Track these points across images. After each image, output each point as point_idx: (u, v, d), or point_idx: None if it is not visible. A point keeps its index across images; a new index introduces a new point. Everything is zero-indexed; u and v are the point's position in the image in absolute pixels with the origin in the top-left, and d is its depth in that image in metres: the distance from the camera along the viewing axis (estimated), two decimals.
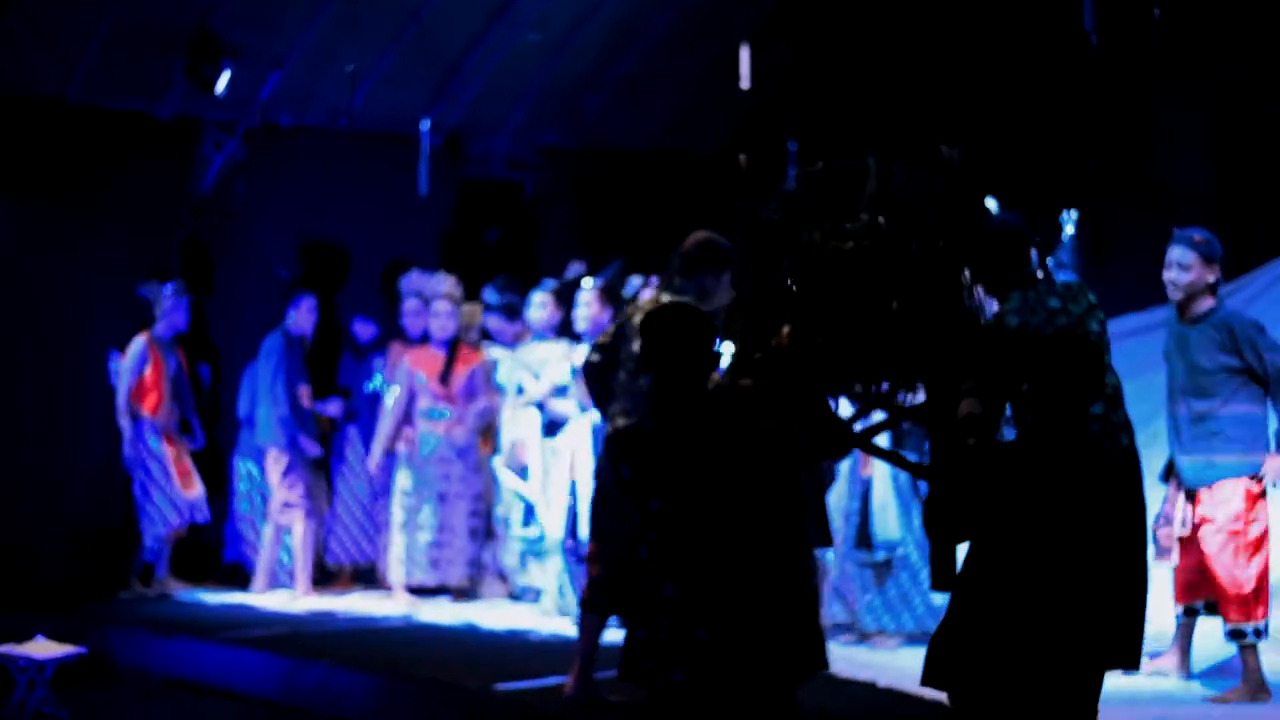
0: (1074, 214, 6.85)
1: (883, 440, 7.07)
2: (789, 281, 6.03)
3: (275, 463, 10.55)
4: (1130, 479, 6.51)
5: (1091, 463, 4.77)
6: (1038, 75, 10.97)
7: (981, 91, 10.91)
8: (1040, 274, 6.50)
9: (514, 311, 10.52)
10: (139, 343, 10.66)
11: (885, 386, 6.17)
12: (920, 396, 6.06)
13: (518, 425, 10.04)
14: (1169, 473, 7.31)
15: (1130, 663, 6.50)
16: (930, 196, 6.03)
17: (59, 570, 10.71)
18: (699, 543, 4.85)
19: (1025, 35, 11.31)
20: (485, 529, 10.53)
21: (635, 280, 9.85)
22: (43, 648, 7.73)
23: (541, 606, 9.70)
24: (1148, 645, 7.42)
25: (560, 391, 9.71)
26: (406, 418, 10.40)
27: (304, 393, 10.62)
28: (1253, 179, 10.00)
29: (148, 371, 10.67)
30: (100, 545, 10.89)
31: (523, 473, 10.00)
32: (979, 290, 6.28)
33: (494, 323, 10.64)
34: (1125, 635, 6.36)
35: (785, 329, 5.99)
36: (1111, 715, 6.10)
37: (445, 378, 10.39)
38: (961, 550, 5.02)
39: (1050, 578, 4.68)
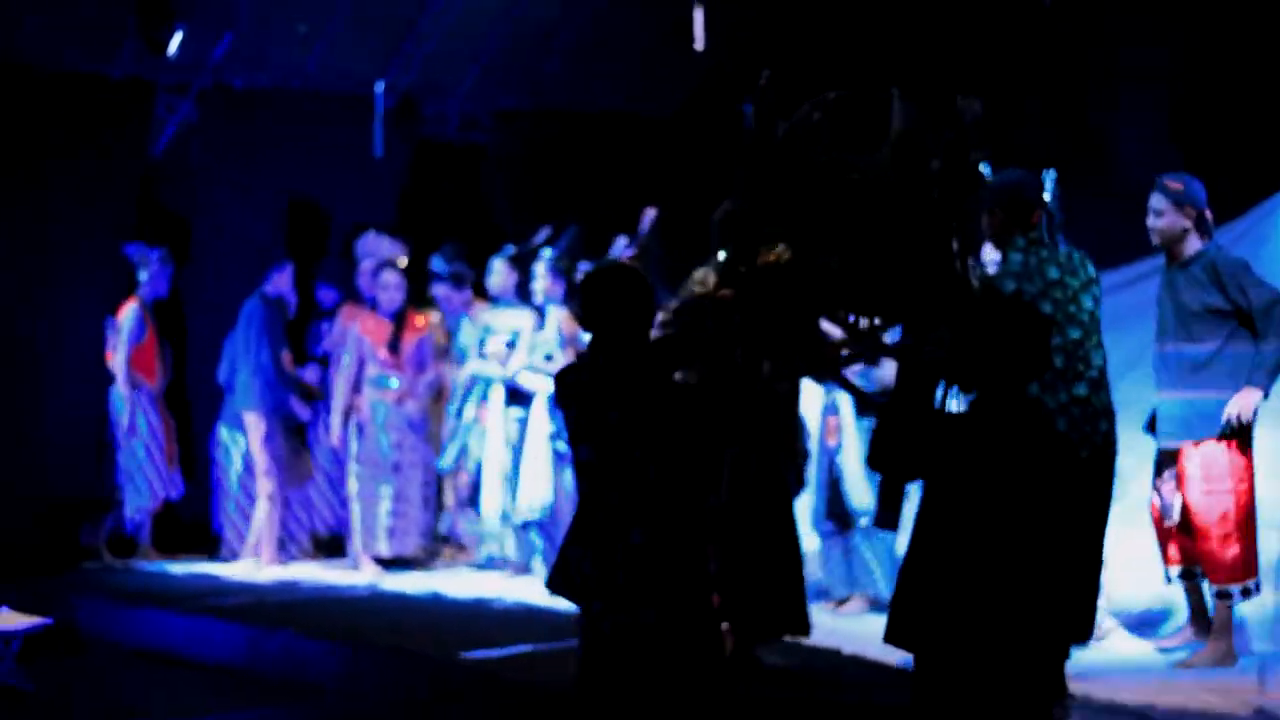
0: (1053, 174, 6.88)
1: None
2: (789, 201, 6.03)
3: (254, 429, 10.51)
4: (1100, 466, 6.54)
5: (1030, 442, 4.75)
6: (995, 34, 10.99)
7: (942, 47, 10.91)
8: (1047, 238, 6.58)
9: (461, 280, 10.59)
10: (134, 310, 10.65)
11: (864, 323, 6.27)
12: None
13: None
14: (1153, 424, 7.20)
15: (1082, 637, 6.60)
16: (938, 146, 6.05)
17: (36, 540, 10.59)
18: (617, 489, 4.95)
19: None
20: (438, 498, 10.61)
21: (621, 241, 9.91)
22: (8, 619, 7.76)
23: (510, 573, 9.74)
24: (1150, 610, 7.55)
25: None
26: (356, 385, 10.43)
27: (286, 358, 10.60)
28: (1213, 136, 10.05)
29: (145, 339, 10.66)
30: (78, 516, 10.82)
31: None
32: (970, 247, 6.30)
33: (441, 291, 10.70)
34: (1078, 610, 6.44)
35: (779, 247, 6.05)
36: (1078, 685, 6.25)
37: (394, 346, 10.43)
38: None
39: (992, 550, 4.68)
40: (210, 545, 10.93)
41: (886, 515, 5.93)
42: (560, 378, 5.09)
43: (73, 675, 8.40)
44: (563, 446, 9.34)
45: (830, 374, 6.55)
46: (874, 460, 4.93)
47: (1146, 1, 10.35)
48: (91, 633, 9.11)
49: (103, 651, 8.99)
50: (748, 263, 6.04)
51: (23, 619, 7.87)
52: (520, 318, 9.93)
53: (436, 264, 10.75)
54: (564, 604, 9.02)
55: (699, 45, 11.48)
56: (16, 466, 10.56)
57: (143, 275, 10.75)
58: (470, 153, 12.62)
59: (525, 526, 9.75)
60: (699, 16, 11.43)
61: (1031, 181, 6.70)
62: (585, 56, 12.41)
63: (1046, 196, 6.77)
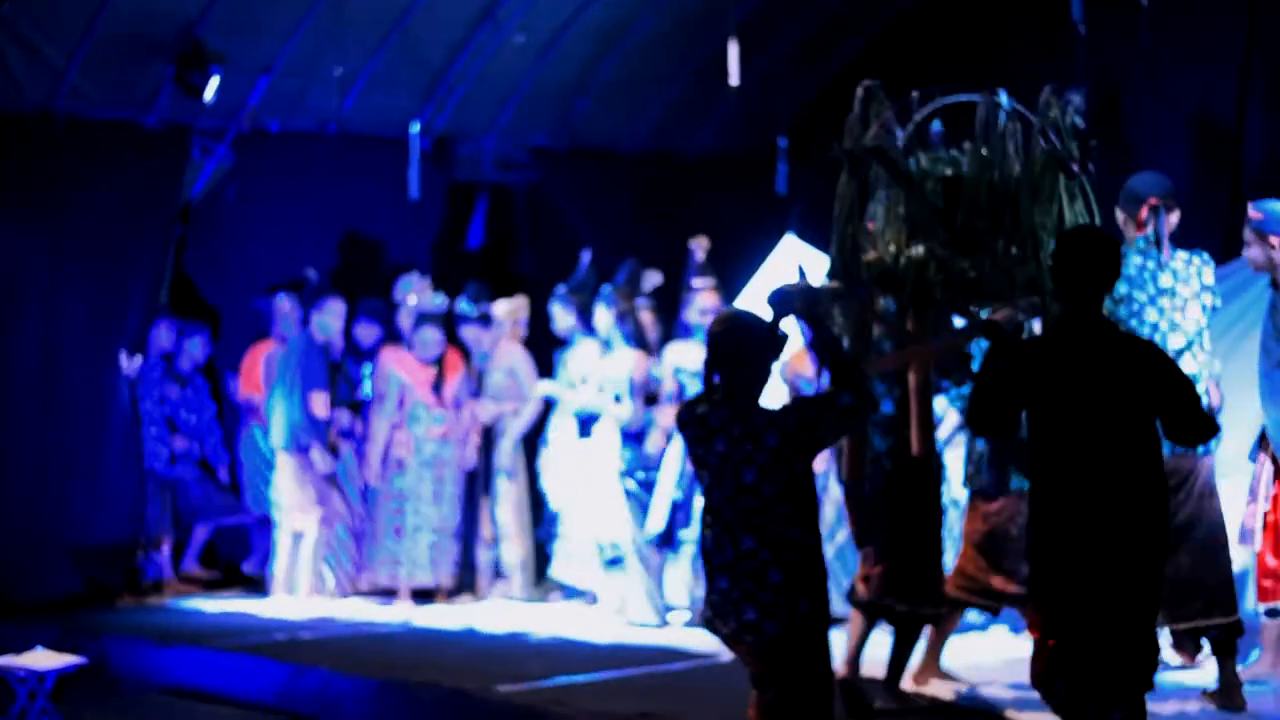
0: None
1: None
2: (893, 201, 6.48)
3: (282, 465, 10.54)
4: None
5: (1114, 342, 5.11)
6: (1026, 64, 10.96)
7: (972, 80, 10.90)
8: (1165, 242, 6.61)
9: (489, 320, 10.59)
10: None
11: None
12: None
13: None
14: (1262, 445, 7.19)
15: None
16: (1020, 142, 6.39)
17: (71, 578, 10.57)
18: (730, 507, 5.16)
19: (1014, 25, 11.30)
20: (475, 530, 10.59)
21: (702, 280, 9.85)
22: (42, 659, 7.70)
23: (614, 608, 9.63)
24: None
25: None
26: (397, 423, 10.46)
27: (319, 400, 10.54)
28: (1237, 167, 10.00)
29: None
30: (114, 556, 10.80)
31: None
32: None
33: (470, 333, 10.67)
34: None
35: (882, 244, 6.42)
36: None
37: (437, 387, 10.46)
38: None
39: (1096, 467, 5.01)
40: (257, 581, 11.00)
41: (998, 479, 6.57)
42: (682, 406, 5.32)
43: (106, 715, 8.34)
44: (633, 484, 9.34)
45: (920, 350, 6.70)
46: (973, 421, 5.34)
47: (1183, 28, 10.31)
48: (125, 671, 9.05)
49: (136, 690, 8.94)
50: (853, 259, 6.47)
51: (56, 658, 7.80)
52: (589, 351, 9.91)
53: (462, 306, 10.73)
54: (599, 635, 9.02)
55: (734, 80, 11.44)
56: (52, 507, 10.54)
57: (289, 311, 10.87)
58: (505, 192, 12.62)
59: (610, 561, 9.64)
60: (733, 52, 11.40)
61: (1146, 178, 6.80)
62: (619, 95, 12.42)
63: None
